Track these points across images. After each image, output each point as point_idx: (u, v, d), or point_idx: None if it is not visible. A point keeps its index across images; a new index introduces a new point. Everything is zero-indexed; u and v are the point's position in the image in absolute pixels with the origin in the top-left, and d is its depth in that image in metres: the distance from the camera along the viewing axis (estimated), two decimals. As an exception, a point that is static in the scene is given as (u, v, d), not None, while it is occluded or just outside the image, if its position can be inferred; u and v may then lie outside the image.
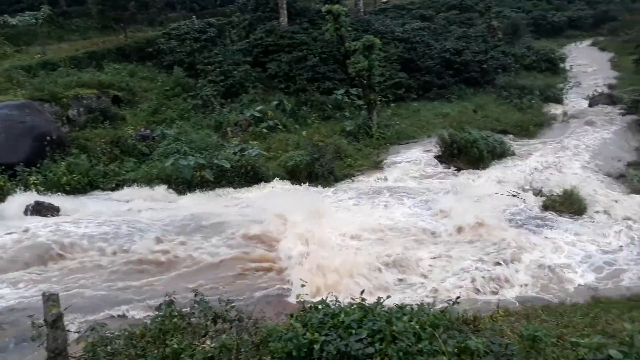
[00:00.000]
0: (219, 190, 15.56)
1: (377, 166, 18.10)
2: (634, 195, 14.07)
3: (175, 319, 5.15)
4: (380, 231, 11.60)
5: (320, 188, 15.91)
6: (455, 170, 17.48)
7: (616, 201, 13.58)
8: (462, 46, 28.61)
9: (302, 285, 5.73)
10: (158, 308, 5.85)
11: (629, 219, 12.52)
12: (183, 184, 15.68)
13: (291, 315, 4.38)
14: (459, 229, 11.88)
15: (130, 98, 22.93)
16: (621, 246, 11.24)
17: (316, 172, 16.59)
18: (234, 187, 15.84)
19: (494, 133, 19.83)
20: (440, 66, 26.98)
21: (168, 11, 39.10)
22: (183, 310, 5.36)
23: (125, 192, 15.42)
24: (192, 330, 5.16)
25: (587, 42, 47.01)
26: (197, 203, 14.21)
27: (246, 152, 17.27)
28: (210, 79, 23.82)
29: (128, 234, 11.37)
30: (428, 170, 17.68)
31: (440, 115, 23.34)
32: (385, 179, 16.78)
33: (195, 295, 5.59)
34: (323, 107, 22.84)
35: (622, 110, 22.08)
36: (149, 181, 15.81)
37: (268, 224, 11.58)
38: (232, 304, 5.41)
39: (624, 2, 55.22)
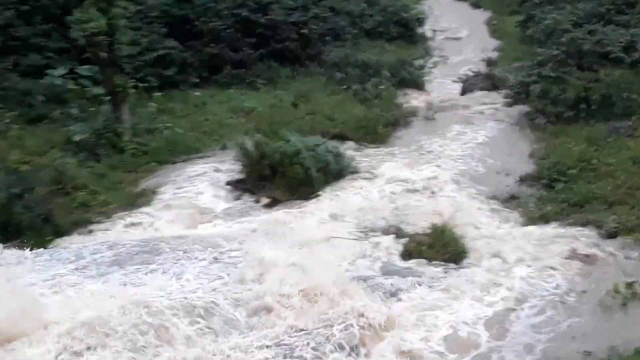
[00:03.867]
0: None
1: (136, 202, 18.05)
2: (530, 227, 15.73)
3: None
4: (136, 323, 11.06)
5: (26, 252, 14.69)
6: (269, 201, 18.09)
7: (506, 238, 15.14)
8: (268, -3, 29.55)
9: None
10: None
11: (523, 261, 14.02)
12: None
13: None
14: (277, 304, 12.02)
15: None
16: (513, 307, 12.42)
17: (17, 221, 15.84)
18: None
19: (326, 139, 20.87)
20: (235, 30, 27.81)
21: None
22: None
23: None
24: None
25: (455, -7, 52.58)
26: None
27: None
28: None
29: None
30: (223, 205, 18.12)
31: (241, 111, 24.11)
32: (151, 225, 16.71)
33: None
34: (28, 100, 22.05)
35: (508, 99, 24.97)
36: None
37: None
38: None
39: None
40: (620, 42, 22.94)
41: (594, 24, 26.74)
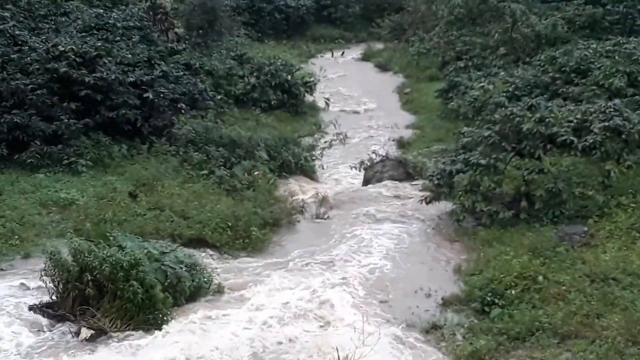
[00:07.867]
0: None
1: None
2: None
3: None
4: None
5: None
6: (93, 334, 16.63)
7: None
8: (98, 47, 29.26)
9: None
10: None
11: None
12: None
13: None
14: None
15: None
16: None
17: None
18: None
19: (178, 246, 20.22)
20: (50, 92, 26.89)
21: None
22: None
23: None
24: None
25: (357, 50, 53.70)
26: None
27: None
28: None
29: None
30: (25, 340, 16.36)
31: (54, 204, 23.08)
32: None
33: None
34: None
35: (426, 193, 24.47)
36: None
37: None
38: None
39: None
40: (570, 122, 22.56)
41: (535, 96, 26.87)
